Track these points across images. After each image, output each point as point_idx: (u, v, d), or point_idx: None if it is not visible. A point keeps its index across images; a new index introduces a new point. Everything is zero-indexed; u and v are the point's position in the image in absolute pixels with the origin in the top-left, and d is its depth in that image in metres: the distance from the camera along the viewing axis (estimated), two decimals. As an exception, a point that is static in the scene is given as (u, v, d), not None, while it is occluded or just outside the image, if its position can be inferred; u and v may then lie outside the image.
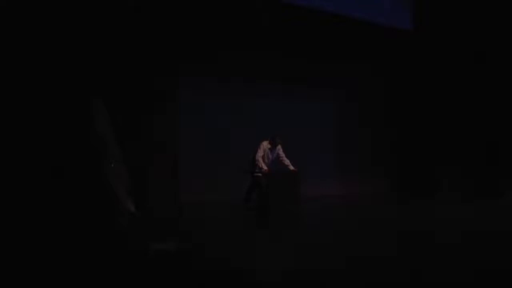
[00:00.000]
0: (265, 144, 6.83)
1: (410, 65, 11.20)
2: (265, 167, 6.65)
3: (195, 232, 5.82)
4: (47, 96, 5.27)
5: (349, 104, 11.17)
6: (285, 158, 6.99)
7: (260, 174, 6.73)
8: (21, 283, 3.75)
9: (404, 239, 5.49)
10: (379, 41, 10.59)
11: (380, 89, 11.48)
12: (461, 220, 6.78)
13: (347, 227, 6.36)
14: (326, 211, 8.05)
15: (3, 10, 5.02)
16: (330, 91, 10.84)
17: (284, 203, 6.57)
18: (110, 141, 5.39)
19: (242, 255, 4.73)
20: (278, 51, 9.33)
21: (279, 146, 6.97)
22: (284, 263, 4.41)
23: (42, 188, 4.86)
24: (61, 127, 5.30)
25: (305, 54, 9.78)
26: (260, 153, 6.70)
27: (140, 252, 4.51)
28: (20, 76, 5.13)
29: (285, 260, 4.52)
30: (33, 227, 4.60)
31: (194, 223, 6.63)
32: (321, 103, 10.77)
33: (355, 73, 10.75)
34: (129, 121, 6.27)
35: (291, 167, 6.89)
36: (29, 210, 4.67)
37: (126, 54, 6.84)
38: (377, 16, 10.21)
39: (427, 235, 5.76)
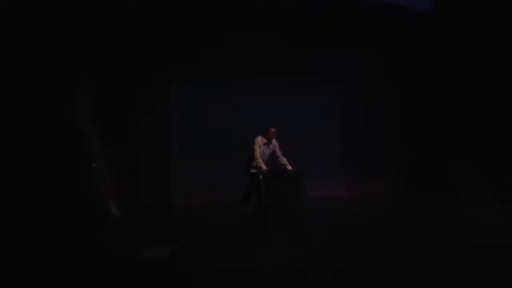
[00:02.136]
0: (260, 140, 6.45)
1: (424, 53, 9.85)
2: (264, 167, 6.26)
3: (188, 237, 5.48)
4: (32, 94, 5.10)
5: (355, 98, 10.24)
6: (281, 156, 6.60)
7: (255, 171, 6.32)
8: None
9: (422, 242, 5.05)
10: (389, 24, 9.25)
11: (390, 81, 10.32)
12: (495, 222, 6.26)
13: (349, 229, 5.96)
14: (330, 213, 7.62)
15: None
16: (333, 84, 10.08)
17: (285, 204, 6.17)
18: (93, 140, 5.06)
19: (238, 261, 4.40)
20: (277, 39, 8.65)
21: (274, 141, 6.57)
22: (281, 268, 4.12)
23: (22, 187, 4.68)
24: (43, 124, 5.00)
25: (304, 42, 8.96)
26: (258, 150, 6.29)
27: (128, 260, 4.24)
28: (6, 73, 4.84)
29: (283, 266, 4.23)
30: (13, 230, 4.43)
31: (187, 226, 6.29)
32: (323, 96, 10.07)
33: (361, 63, 9.68)
34: (117, 119, 5.90)
35: (289, 167, 6.49)
36: (9, 211, 4.51)
37: (118, 52, 6.47)
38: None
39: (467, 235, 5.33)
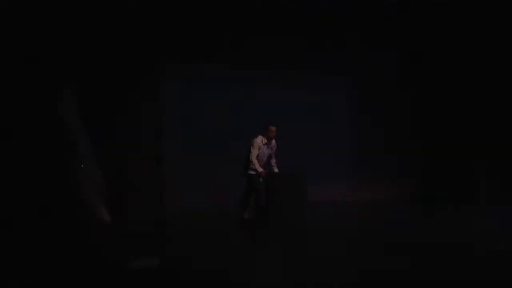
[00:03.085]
0: (259, 141, 6.04)
1: (444, 41, 8.93)
2: (260, 169, 5.89)
3: (180, 244, 5.25)
4: (15, 92, 4.70)
5: (365, 93, 9.59)
6: (273, 158, 6.24)
7: (253, 173, 5.97)
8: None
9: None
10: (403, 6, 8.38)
11: (405, 73, 9.52)
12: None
13: (354, 237, 5.58)
14: (333, 219, 7.25)
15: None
16: (342, 79, 9.51)
17: (286, 208, 5.84)
18: (80, 139, 4.73)
19: (235, 271, 4.09)
20: (277, 29, 8.05)
21: (273, 141, 6.19)
22: (281, 281, 3.80)
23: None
24: (27, 124, 4.67)
25: (310, 31, 8.31)
26: (254, 153, 5.91)
27: (117, 270, 4.07)
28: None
29: (283, 277, 3.91)
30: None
31: (180, 232, 6.02)
32: (331, 94, 9.50)
33: (371, 54, 8.97)
34: (104, 117, 5.59)
35: (275, 169, 6.17)
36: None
37: (105, 46, 6.16)
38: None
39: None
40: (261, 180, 5.99)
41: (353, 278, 3.67)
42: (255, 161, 5.91)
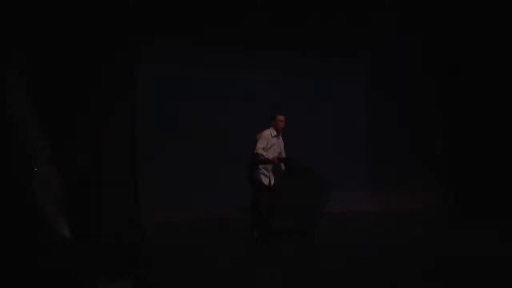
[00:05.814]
0: (267, 134, 5.29)
1: (478, 21, 7.70)
2: (271, 156, 5.18)
3: (160, 264, 4.49)
4: None
5: (383, 83, 8.34)
6: (284, 154, 5.59)
7: (260, 177, 5.23)
8: None
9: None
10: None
11: (431, 58, 8.28)
12: None
13: (373, 257, 4.78)
14: (350, 232, 6.41)
15: None
16: (355, 65, 8.41)
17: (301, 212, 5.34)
18: (31, 136, 4.15)
19: None
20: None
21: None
22: None
23: None
24: None
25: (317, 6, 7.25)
26: (260, 144, 5.17)
27: None
28: None
29: None
30: None
31: (160, 250, 5.16)
32: (343, 82, 8.33)
33: (390, 36, 7.80)
34: (63, 108, 4.81)
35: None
36: None
37: (67, 18, 5.35)
38: None
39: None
40: (282, 167, 5.30)
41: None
42: (261, 151, 5.16)
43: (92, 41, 5.51)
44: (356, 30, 7.76)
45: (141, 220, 6.13)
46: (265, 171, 5.22)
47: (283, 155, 5.45)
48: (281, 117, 5.28)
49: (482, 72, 7.94)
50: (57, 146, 4.20)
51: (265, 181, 5.22)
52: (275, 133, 5.27)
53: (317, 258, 4.80)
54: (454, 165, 8.32)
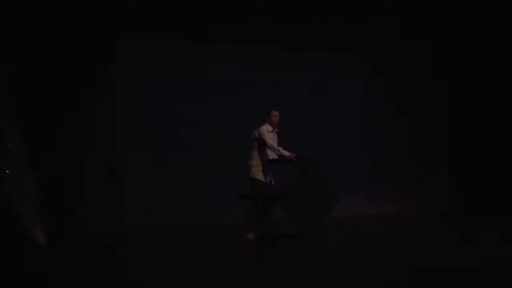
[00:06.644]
0: (265, 130, 5.26)
1: (479, 21, 7.69)
2: (287, 153, 5.17)
3: (147, 275, 3.99)
4: None
5: (383, 83, 8.28)
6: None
7: (262, 178, 5.17)
8: None
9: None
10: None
11: (431, 58, 8.26)
12: None
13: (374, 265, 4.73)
14: (351, 237, 6.34)
15: None
16: (355, 65, 8.40)
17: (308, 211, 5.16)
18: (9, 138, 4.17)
19: None
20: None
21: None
22: None
23: None
24: None
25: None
26: (268, 139, 5.13)
27: None
28: None
29: None
30: None
31: (145, 258, 4.78)
32: (343, 82, 8.28)
33: (390, 36, 7.82)
34: (43, 110, 4.75)
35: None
36: None
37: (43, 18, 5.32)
38: None
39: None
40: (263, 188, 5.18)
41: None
42: (276, 147, 5.15)
43: (69, 41, 5.42)
44: (356, 30, 7.77)
45: (127, 221, 6.02)
46: (265, 171, 5.19)
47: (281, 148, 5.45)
48: (275, 112, 5.28)
49: (483, 72, 7.94)
50: (35, 148, 4.14)
51: (266, 180, 5.19)
52: (271, 128, 5.26)
53: (316, 260, 4.78)
54: (454, 165, 8.30)
